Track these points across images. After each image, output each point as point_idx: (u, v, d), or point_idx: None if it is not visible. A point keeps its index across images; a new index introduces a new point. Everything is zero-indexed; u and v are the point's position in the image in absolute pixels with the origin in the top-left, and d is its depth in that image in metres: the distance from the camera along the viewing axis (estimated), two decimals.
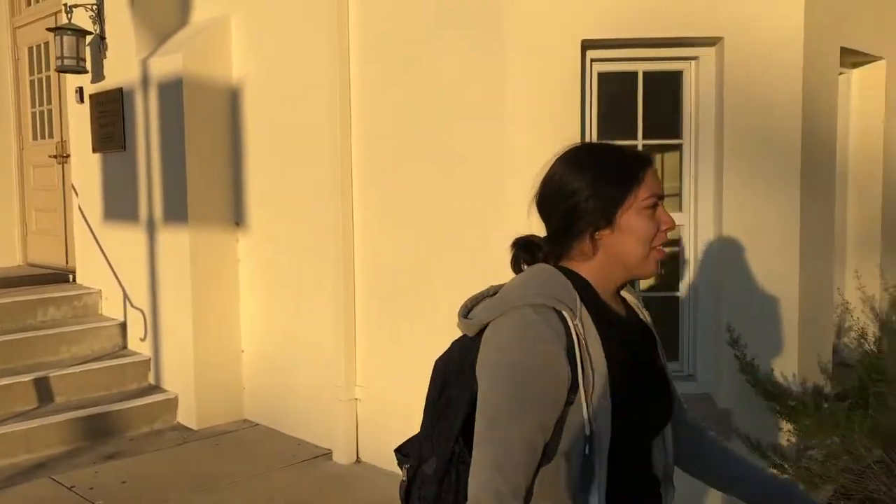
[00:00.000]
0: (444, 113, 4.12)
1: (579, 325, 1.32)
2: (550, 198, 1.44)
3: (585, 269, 1.43)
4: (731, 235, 3.77)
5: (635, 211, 1.40)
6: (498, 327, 1.34)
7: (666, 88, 4.02)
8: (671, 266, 4.08)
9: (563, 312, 1.32)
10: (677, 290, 4.04)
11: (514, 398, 1.28)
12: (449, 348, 1.52)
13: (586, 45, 3.80)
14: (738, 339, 3.50)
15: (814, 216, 3.83)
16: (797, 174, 3.70)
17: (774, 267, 3.73)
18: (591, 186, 1.39)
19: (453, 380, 1.45)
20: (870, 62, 4.41)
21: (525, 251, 1.48)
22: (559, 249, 1.45)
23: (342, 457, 4.59)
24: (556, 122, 3.76)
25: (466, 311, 1.46)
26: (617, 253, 1.41)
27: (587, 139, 3.89)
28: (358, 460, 4.63)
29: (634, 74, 3.98)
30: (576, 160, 1.45)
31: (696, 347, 3.96)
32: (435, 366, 1.53)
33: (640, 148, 3.99)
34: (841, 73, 4.45)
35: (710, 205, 3.88)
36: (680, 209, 3.99)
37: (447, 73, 4.08)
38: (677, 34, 3.74)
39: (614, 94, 4.07)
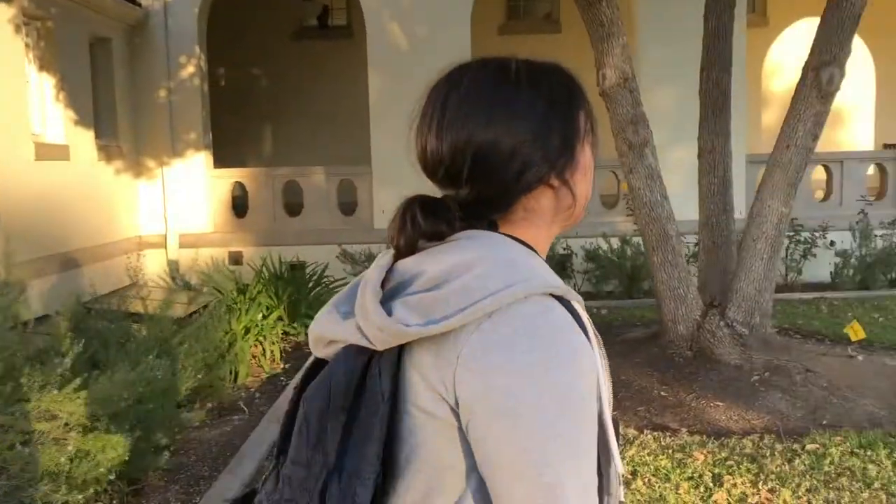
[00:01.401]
0: None
1: (591, 322, 0.94)
2: (478, 145, 0.95)
3: (531, 235, 1.00)
4: None
5: (588, 139, 1.03)
6: (508, 331, 0.86)
7: None
8: None
9: (574, 303, 0.91)
10: None
11: (580, 445, 0.87)
12: (324, 373, 0.96)
13: None
14: None
15: None
16: None
17: None
18: (546, 117, 0.97)
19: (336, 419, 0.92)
20: None
21: (436, 219, 0.95)
22: (491, 212, 0.98)
23: None
24: None
25: (386, 310, 0.91)
26: (574, 200, 1.02)
27: None
28: None
29: None
30: (502, 85, 0.98)
31: None
32: (302, 403, 0.97)
33: None
34: None
35: None
36: None
37: None
38: None
39: None
